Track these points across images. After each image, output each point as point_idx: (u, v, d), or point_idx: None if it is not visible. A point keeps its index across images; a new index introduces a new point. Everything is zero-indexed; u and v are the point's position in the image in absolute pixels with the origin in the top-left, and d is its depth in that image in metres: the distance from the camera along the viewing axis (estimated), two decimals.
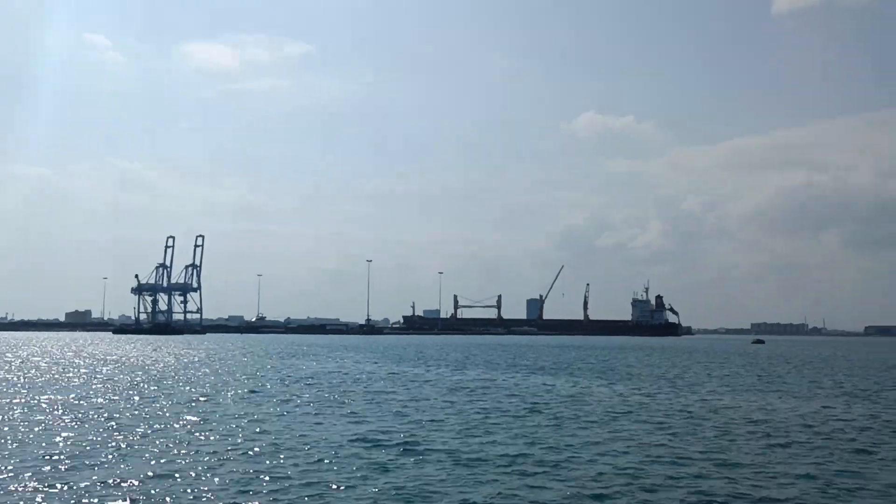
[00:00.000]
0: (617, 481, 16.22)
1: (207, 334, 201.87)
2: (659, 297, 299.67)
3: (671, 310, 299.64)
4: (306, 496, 14.74)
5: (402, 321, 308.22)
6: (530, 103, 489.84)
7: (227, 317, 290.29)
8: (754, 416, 28.21)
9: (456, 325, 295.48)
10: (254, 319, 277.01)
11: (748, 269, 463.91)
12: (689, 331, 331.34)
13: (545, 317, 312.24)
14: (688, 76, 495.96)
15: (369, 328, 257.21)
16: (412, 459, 18.58)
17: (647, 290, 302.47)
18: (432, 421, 25.97)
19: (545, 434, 23.09)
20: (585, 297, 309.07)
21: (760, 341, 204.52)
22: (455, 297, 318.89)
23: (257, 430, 23.40)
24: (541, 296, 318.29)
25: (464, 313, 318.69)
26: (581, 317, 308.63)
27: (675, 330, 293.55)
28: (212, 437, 21.79)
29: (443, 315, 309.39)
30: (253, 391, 36.96)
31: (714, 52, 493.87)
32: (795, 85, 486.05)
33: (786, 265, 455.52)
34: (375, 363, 65.98)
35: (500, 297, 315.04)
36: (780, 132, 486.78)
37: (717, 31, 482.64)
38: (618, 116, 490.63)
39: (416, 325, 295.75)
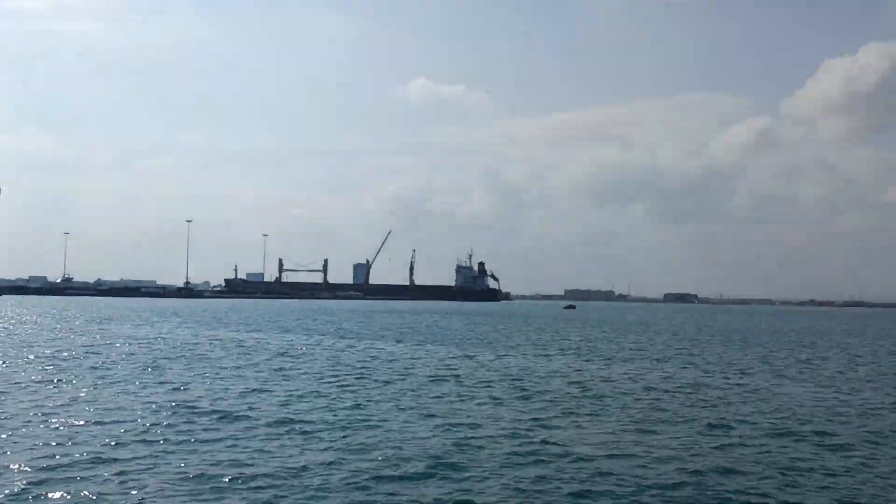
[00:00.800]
0: (431, 444, 16.45)
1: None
2: (481, 264, 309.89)
3: (493, 276, 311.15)
4: (113, 472, 13.76)
5: (223, 284, 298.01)
6: (364, 66, 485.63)
7: (27, 277, 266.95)
8: (571, 377, 29.84)
9: (280, 290, 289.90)
10: (59, 280, 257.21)
11: (564, 238, 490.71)
12: (507, 296, 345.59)
13: (371, 282, 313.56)
14: (519, 49, 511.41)
15: (188, 291, 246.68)
16: (232, 427, 17.91)
17: (470, 256, 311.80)
18: (255, 390, 25.18)
19: (369, 398, 23.08)
20: (412, 263, 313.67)
21: (572, 306, 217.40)
22: (280, 260, 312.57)
23: (63, 401, 21.64)
24: (367, 260, 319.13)
25: (289, 277, 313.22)
26: (407, 282, 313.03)
27: (495, 295, 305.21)
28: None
29: (267, 279, 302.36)
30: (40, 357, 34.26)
31: (543, 28, 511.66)
32: (616, 64, 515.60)
33: (597, 235, 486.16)
34: (194, 328, 63.26)
35: (326, 261, 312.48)
36: (598, 109, 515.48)
37: (548, 8, 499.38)
38: (449, 84, 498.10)
39: (238, 288, 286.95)
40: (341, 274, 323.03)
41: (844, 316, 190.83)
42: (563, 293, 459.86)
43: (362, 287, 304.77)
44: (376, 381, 28.16)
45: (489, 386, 27.15)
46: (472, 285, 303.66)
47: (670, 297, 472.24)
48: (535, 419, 20.12)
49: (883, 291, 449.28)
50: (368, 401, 22.89)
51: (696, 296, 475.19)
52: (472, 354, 41.44)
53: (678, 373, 33.35)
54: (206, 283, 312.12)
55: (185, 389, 24.78)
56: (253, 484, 13.19)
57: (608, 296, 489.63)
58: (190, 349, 41.33)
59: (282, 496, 12.54)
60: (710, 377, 31.55)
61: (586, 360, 38.84)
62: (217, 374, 29.65)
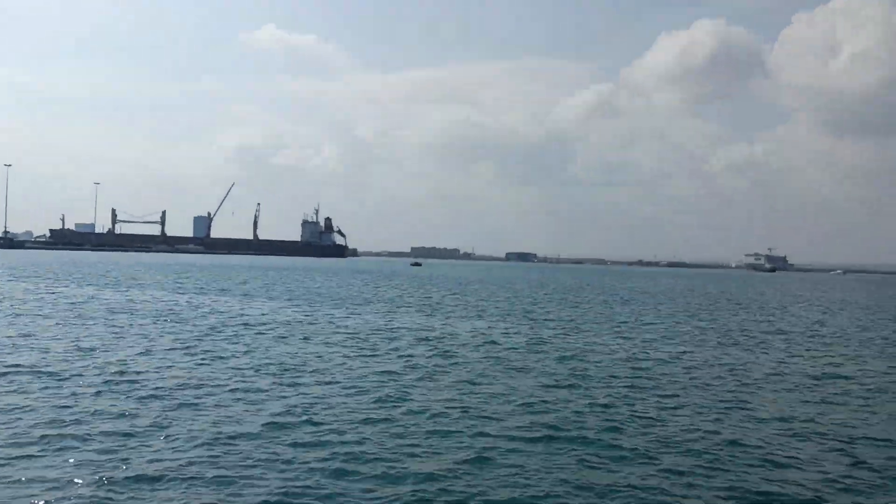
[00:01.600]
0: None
1: None
2: (328, 220, 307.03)
3: (339, 232, 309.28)
4: None
5: (48, 235, 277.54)
6: (211, 8, 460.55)
7: None
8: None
9: (113, 242, 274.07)
10: None
11: (412, 196, 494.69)
12: (354, 252, 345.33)
13: (213, 235, 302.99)
14: (371, 2, 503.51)
15: (7, 242, 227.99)
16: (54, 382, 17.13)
17: (317, 211, 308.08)
18: (84, 348, 24.04)
19: (217, 354, 22.71)
20: (256, 217, 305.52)
21: (418, 263, 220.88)
22: (113, 210, 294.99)
23: None
24: (209, 213, 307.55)
25: (123, 229, 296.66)
26: (251, 236, 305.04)
27: (342, 252, 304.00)
28: None
29: (98, 230, 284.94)
30: None
31: None
32: (467, 24, 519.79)
33: (445, 194, 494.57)
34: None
35: (164, 212, 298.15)
36: (449, 68, 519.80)
37: None
38: (300, 34, 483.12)
39: (65, 239, 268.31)
40: (180, 227, 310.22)
41: (667, 275, 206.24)
42: (409, 250, 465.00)
43: (203, 241, 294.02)
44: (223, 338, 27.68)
45: (342, 344, 27.41)
46: (319, 241, 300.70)
47: (512, 256, 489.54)
48: (384, 373, 20.65)
49: (703, 254, 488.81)
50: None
51: (535, 255, 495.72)
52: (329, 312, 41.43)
53: (522, 329, 35.06)
54: (29, 233, 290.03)
55: None
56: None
57: (453, 254, 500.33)
58: None
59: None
60: (550, 331, 33.48)
61: (429, 316, 39.98)
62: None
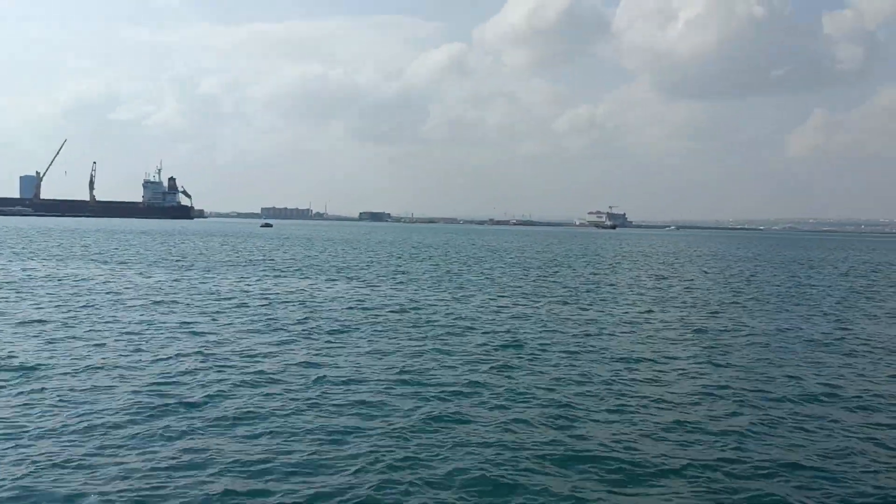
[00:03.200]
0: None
1: None
2: (172, 179, 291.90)
3: (184, 192, 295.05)
4: None
5: None
6: None
7: None
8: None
9: None
10: None
11: (262, 154, 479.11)
12: (201, 214, 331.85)
13: (43, 196, 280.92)
14: None
15: None
16: None
17: (159, 171, 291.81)
18: None
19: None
20: (92, 176, 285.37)
21: (269, 225, 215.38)
22: None
23: None
24: (38, 172, 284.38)
25: None
26: (87, 197, 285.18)
27: (187, 213, 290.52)
28: None
29: None
30: None
31: None
32: None
33: (297, 153, 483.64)
34: None
35: None
36: (298, 22, 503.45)
37: None
38: None
39: None
40: (4, 187, 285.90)
41: (516, 233, 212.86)
42: (259, 211, 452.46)
43: (31, 202, 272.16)
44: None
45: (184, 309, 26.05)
46: (162, 202, 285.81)
47: (365, 216, 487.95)
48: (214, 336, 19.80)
49: (551, 212, 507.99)
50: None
51: (389, 214, 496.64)
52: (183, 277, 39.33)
53: (387, 290, 34.81)
54: None
55: None
56: None
57: (305, 214, 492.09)
58: None
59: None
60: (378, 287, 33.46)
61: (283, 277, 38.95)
62: None
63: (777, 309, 30.29)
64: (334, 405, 13.40)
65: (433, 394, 14.39)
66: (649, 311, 28.23)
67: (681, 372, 17.09)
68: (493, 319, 24.92)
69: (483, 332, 21.99)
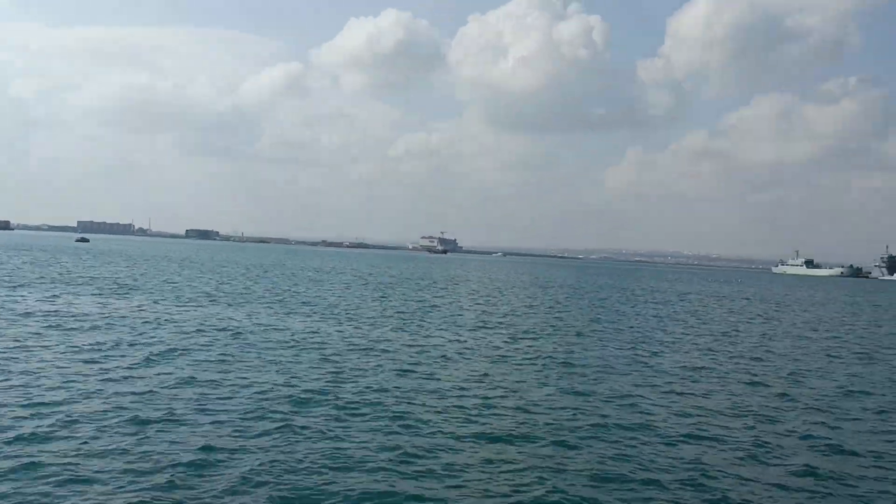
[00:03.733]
0: None
1: None
2: None
3: None
4: None
5: None
6: None
7: None
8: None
9: None
10: None
11: (81, 164, 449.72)
12: (7, 226, 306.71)
13: None
14: None
15: None
16: None
17: None
18: None
19: None
20: None
21: (85, 239, 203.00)
22: None
23: None
24: None
25: None
26: None
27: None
28: None
29: None
30: None
31: None
32: None
33: (118, 165, 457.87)
34: None
35: None
36: (129, 29, 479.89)
37: None
38: None
39: None
40: None
41: (352, 255, 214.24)
42: (76, 224, 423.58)
43: None
44: None
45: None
46: None
47: (192, 234, 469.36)
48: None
49: (385, 235, 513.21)
50: None
51: (217, 232, 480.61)
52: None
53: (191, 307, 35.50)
54: None
55: None
56: None
57: (127, 229, 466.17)
58: None
59: None
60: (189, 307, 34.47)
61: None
62: None
63: (578, 333, 34.31)
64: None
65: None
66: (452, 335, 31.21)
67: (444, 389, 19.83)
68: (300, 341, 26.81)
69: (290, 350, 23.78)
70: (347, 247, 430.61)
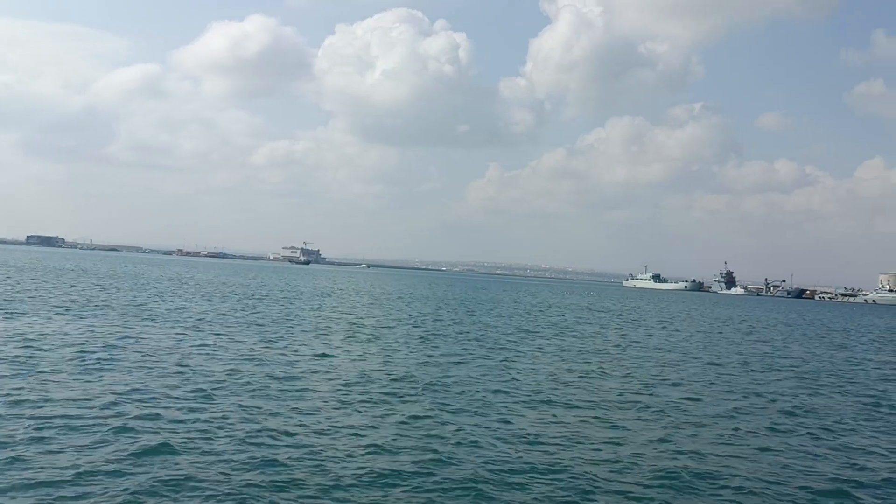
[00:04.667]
0: None
1: None
2: None
3: None
4: None
5: None
6: None
7: None
8: None
9: None
10: None
11: None
12: None
13: None
14: None
15: None
16: None
17: None
18: None
19: None
20: None
21: None
22: None
23: None
24: None
25: None
26: None
27: None
28: None
29: None
30: None
31: None
32: None
33: None
34: None
35: None
36: None
37: None
38: None
39: None
40: None
41: (208, 265, 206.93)
42: None
43: None
44: None
45: None
46: None
47: (34, 240, 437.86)
48: None
49: (245, 245, 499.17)
50: None
51: (63, 239, 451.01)
52: None
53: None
54: None
55: None
56: None
57: None
58: None
59: None
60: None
61: None
62: None
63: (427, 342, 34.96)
64: None
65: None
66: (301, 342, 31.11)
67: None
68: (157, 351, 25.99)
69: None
70: (205, 256, 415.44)
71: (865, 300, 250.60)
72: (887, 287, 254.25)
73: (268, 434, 14.69)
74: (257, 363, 23.69)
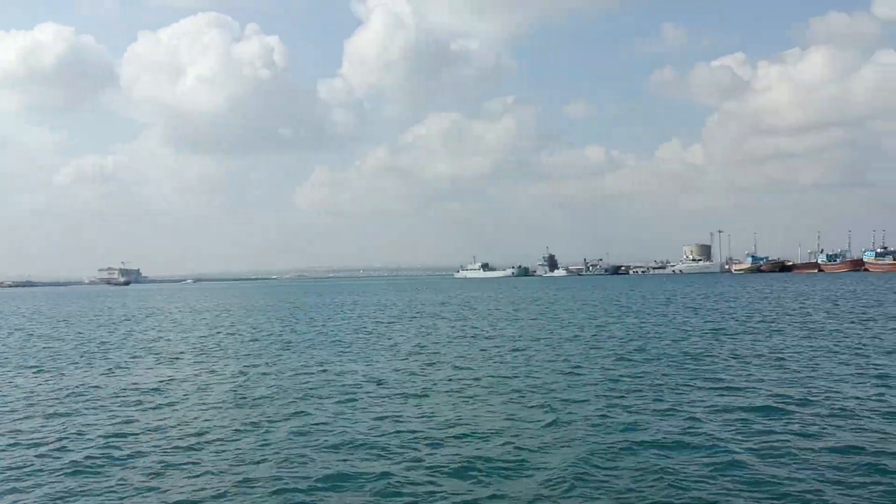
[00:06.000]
0: None
1: None
2: None
3: None
4: None
5: None
6: None
7: None
8: None
9: None
10: None
11: None
12: None
13: None
14: None
15: None
16: None
17: None
18: None
19: None
20: None
21: None
22: None
23: None
24: None
25: None
26: None
27: None
28: None
29: None
30: None
31: None
32: None
33: None
34: None
35: None
36: None
37: None
38: None
39: None
40: None
41: (14, 296, 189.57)
42: None
43: None
44: None
45: None
46: None
47: None
48: None
49: (55, 271, 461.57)
50: None
51: None
52: None
53: None
54: None
55: None
56: None
57: None
58: None
59: None
60: None
61: None
62: None
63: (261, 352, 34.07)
64: None
65: None
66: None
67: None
68: None
69: None
70: (9, 287, 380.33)
71: (674, 271, 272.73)
72: (691, 257, 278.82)
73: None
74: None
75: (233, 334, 45.40)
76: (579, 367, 26.53)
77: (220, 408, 20.16)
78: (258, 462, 14.52)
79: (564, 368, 26.14)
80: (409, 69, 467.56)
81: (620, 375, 24.17)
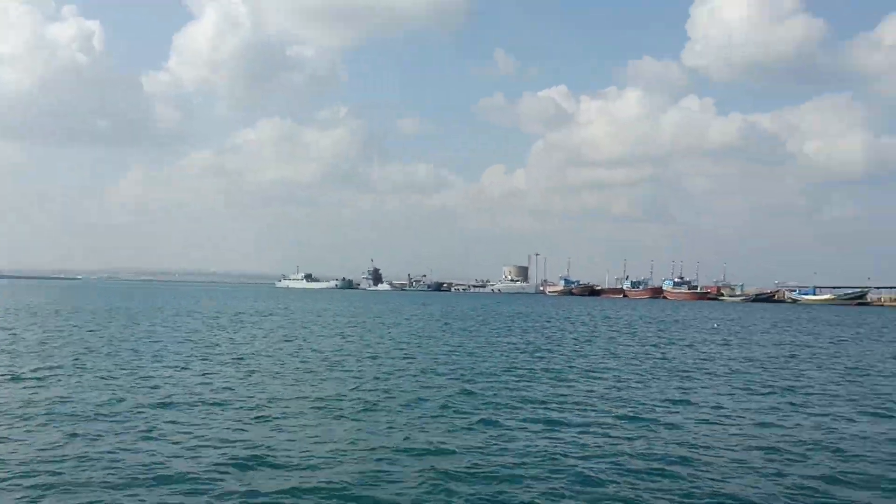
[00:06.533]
0: None
1: None
2: None
3: None
4: None
5: None
6: None
7: None
8: None
9: None
10: None
11: None
12: None
13: None
14: None
15: None
16: None
17: None
18: None
19: None
20: None
21: None
22: None
23: None
24: None
25: None
26: None
27: None
28: None
29: None
30: None
31: None
32: None
33: None
34: None
35: None
36: None
37: None
38: None
39: None
40: None
41: None
42: None
43: None
44: None
45: None
46: None
47: None
48: None
49: None
50: None
51: None
52: None
53: None
54: None
55: None
56: None
57: None
58: None
59: None
60: None
61: None
62: None
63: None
64: None
65: None
66: None
67: None
68: None
69: None
70: None
71: (493, 290, 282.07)
72: (509, 278, 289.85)
73: None
74: None
75: None
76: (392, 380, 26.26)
77: None
78: None
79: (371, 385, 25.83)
80: (241, 69, 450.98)
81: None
